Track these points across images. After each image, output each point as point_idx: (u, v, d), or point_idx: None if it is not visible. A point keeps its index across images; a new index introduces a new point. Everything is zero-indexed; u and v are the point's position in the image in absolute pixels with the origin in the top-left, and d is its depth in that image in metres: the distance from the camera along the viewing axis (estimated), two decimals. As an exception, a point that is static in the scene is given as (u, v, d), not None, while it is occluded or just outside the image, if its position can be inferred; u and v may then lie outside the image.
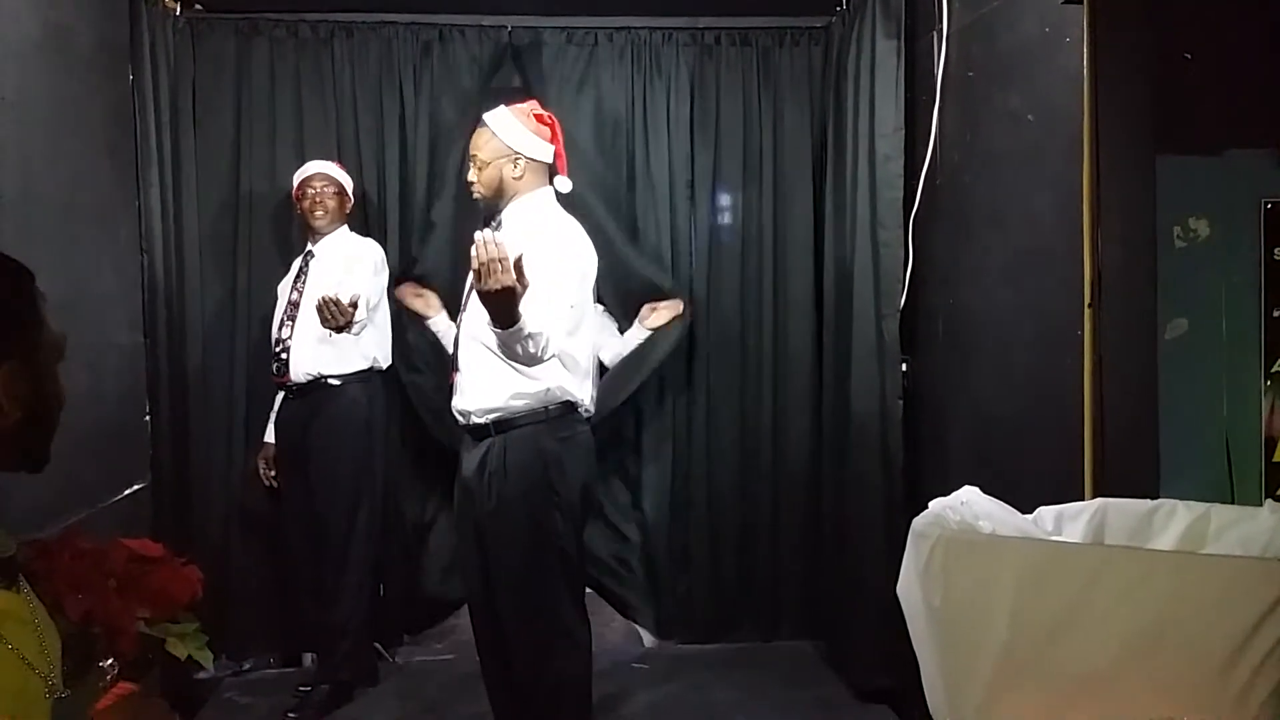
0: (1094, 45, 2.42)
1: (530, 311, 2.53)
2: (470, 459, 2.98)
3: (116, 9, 3.82)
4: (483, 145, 2.99)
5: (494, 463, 2.90)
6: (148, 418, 3.97)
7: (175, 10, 4.17)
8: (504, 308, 2.46)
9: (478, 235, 2.46)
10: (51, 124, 3.26)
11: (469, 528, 3.01)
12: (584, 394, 2.98)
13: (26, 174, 3.08)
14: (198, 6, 4.25)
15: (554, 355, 2.71)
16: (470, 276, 3.04)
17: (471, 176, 3.00)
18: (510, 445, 2.89)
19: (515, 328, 2.50)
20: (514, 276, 2.40)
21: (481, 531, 2.96)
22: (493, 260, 2.37)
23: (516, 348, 2.57)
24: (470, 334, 2.92)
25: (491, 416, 2.91)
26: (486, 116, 3.04)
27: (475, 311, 2.88)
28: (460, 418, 3.01)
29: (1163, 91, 2.22)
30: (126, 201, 3.87)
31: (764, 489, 4.50)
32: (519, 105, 3.08)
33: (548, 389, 2.87)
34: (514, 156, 2.98)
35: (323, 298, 3.31)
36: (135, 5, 3.90)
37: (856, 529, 3.90)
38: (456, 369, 2.98)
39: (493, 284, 2.39)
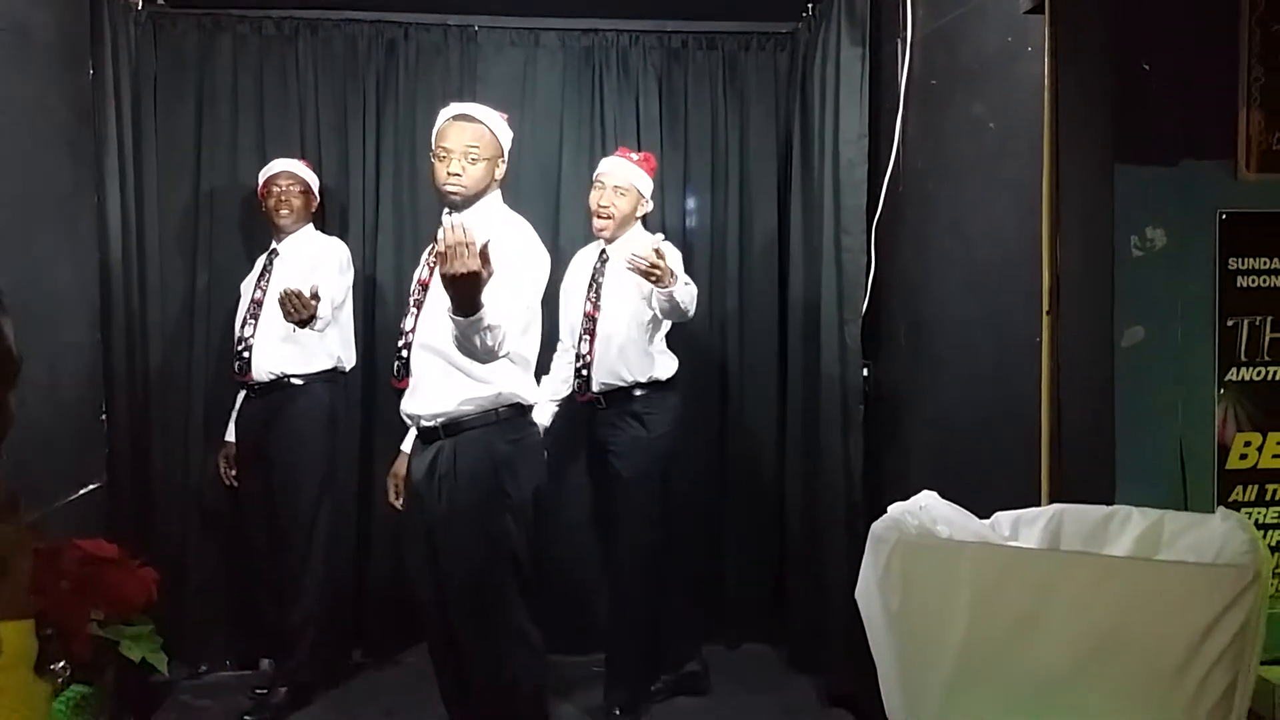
0: (1054, 55, 2.44)
1: (490, 305, 2.51)
2: (419, 462, 2.96)
3: (77, 2, 3.76)
4: (480, 141, 2.92)
5: (444, 466, 2.87)
6: (104, 416, 3.92)
7: (137, 4, 4.13)
8: (467, 293, 2.44)
9: (445, 219, 2.45)
10: (8, 118, 3.21)
11: (419, 531, 2.98)
12: (533, 394, 2.98)
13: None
14: (160, 1, 4.21)
15: (508, 353, 2.69)
16: (417, 276, 3.05)
17: (456, 169, 2.89)
18: (460, 448, 2.87)
19: (476, 316, 2.48)
20: (480, 262, 2.39)
21: (432, 535, 2.93)
22: (459, 244, 2.36)
23: (475, 339, 2.54)
24: (422, 343, 2.89)
25: (440, 420, 2.89)
26: (479, 112, 2.98)
27: (428, 320, 2.87)
28: (409, 421, 2.99)
29: (1122, 102, 2.24)
30: (85, 197, 3.82)
31: (727, 492, 4.51)
32: (492, 109, 3.06)
33: (499, 392, 2.86)
34: (502, 158, 2.99)
35: (285, 290, 3.29)
36: (96, -1, 3.85)
37: (819, 533, 3.92)
38: (407, 375, 2.95)
39: (458, 267, 2.37)
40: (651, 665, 3.91)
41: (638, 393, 3.71)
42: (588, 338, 3.72)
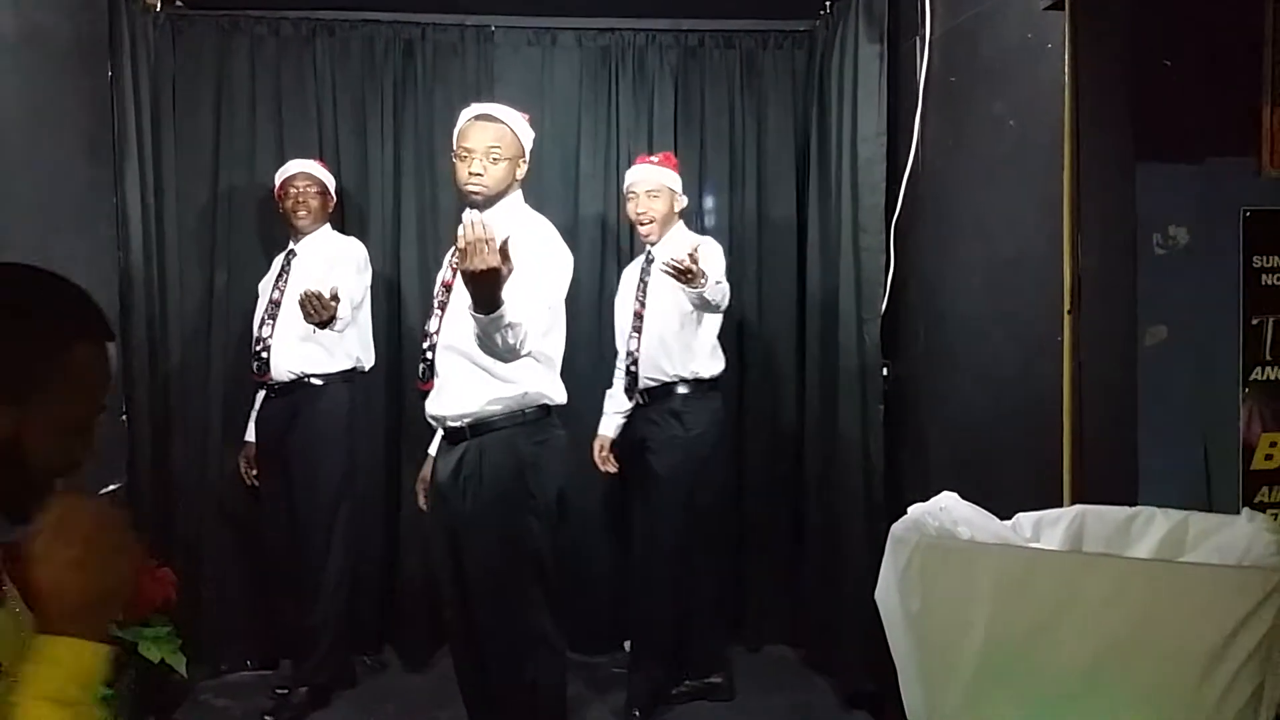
0: (1075, 52, 2.42)
1: (511, 303, 2.50)
2: (445, 463, 2.95)
3: (95, 5, 3.78)
4: (503, 141, 2.92)
5: (469, 466, 2.87)
6: (124, 417, 3.93)
7: (155, 6, 4.14)
8: (487, 290, 2.42)
9: (465, 216, 2.46)
10: (27, 120, 3.23)
11: (443, 532, 2.98)
12: (559, 394, 2.97)
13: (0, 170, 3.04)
14: (178, 3, 4.24)
15: (529, 352, 2.69)
16: (440, 278, 3.04)
17: (478, 169, 2.89)
18: (486, 449, 2.86)
19: (496, 314, 2.47)
20: (499, 258, 2.37)
21: (456, 535, 2.93)
22: (479, 240, 2.34)
23: (496, 337, 2.53)
24: (448, 344, 2.89)
25: (467, 420, 2.88)
26: (500, 112, 2.98)
27: (453, 321, 2.86)
28: (434, 422, 2.99)
29: (1143, 99, 2.22)
30: (104, 199, 3.84)
31: (745, 492, 4.49)
32: (513, 109, 3.06)
33: (525, 392, 2.85)
34: (523, 158, 2.99)
35: (305, 291, 3.30)
36: (115, 1, 3.86)
37: (838, 534, 3.90)
38: (433, 376, 2.94)
39: (478, 264, 2.35)
40: (675, 666, 3.91)
41: (680, 390, 3.74)
42: (636, 335, 3.79)
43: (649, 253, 3.85)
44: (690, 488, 3.73)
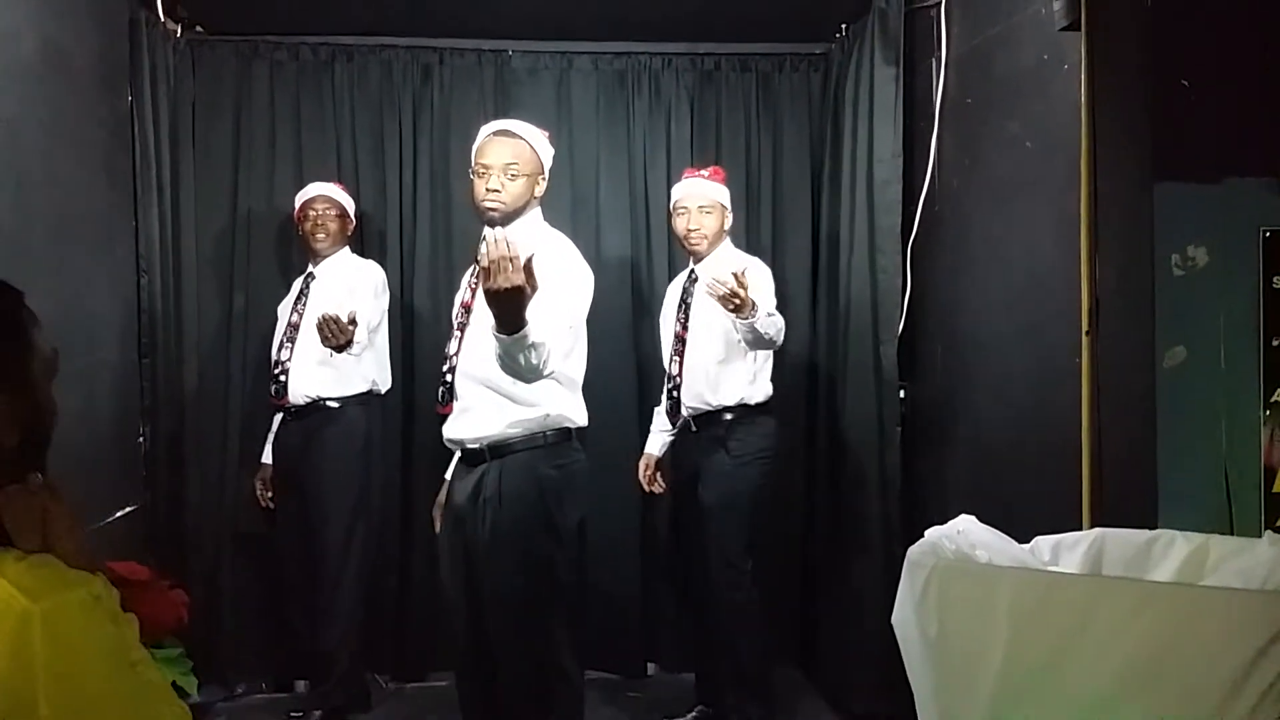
0: (1092, 72, 2.42)
1: (534, 322, 2.45)
2: (463, 485, 2.87)
3: (116, 29, 3.82)
4: (521, 157, 2.85)
5: (489, 489, 2.78)
6: (141, 439, 3.94)
7: (175, 31, 4.18)
8: (511, 309, 2.37)
9: (488, 233, 2.41)
10: (47, 144, 3.25)
11: (459, 556, 2.88)
12: (580, 417, 2.91)
13: (20, 193, 3.05)
14: (198, 28, 4.27)
15: (551, 373, 2.63)
16: (459, 299, 3.02)
17: (495, 185, 2.82)
18: (506, 471, 2.78)
19: (520, 334, 2.41)
20: (524, 277, 2.32)
21: (473, 561, 2.83)
22: (503, 258, 2.29)
23: (519, 357, 2.47)
24: (466, 372, 2.83)
25: (486, 442, 2.81)
26: (519, 128, 2.92)
27: (473, 343, 2.81)
28: (452, 446, 2.93)
29: (1161, 119, 2.21)
30: (123, 221, 3.86)
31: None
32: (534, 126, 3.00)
33: (546, 414, 2.78)
34: (542, 175, 2.92)
35: (323, 315, 3.31)
36: (135, 26, 3.90)
37: (853, 556, 3.87)
38: (452, 399, 2.88)
39: (502, 283, 2.30)
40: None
41: (727, 417, 3.60)
42: (677, 359, 3.67)
43: (692, 271, 3.72)
44: (744, 517, 3.58)
